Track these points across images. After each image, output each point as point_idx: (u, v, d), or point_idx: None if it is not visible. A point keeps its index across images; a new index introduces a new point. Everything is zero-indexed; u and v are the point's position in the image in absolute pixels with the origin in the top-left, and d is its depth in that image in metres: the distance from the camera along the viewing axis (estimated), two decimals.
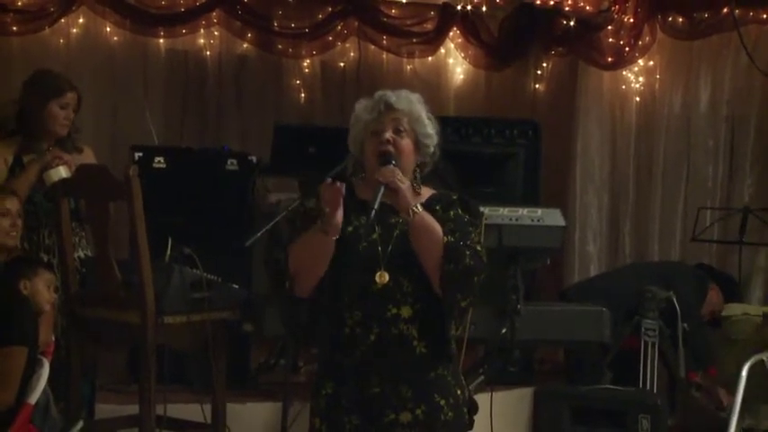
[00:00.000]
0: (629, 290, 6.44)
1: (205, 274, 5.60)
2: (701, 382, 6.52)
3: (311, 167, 6.94)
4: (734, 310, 6.76)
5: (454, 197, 3.66)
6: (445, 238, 3.46)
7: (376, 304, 3.51)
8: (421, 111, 3.62)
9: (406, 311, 3.52)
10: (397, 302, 3.51)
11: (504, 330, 5.79)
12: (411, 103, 3.62)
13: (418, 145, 3.62)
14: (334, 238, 3.47)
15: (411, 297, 3.52)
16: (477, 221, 3.64)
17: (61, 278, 5.51)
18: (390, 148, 3.56)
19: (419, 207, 3.49)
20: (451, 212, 3.60)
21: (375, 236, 3.54)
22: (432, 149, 3.66)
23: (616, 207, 8.22)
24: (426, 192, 3.68)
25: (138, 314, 5.32)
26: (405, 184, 3.49)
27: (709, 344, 6.74)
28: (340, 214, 3.45)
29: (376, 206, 3.40)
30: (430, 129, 3.63)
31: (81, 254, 5.81)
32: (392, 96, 3.61)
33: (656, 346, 6.32)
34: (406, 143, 3.59)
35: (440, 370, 3.58)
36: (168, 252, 5.80)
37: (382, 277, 3.50)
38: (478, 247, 3.52)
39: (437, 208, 3.61)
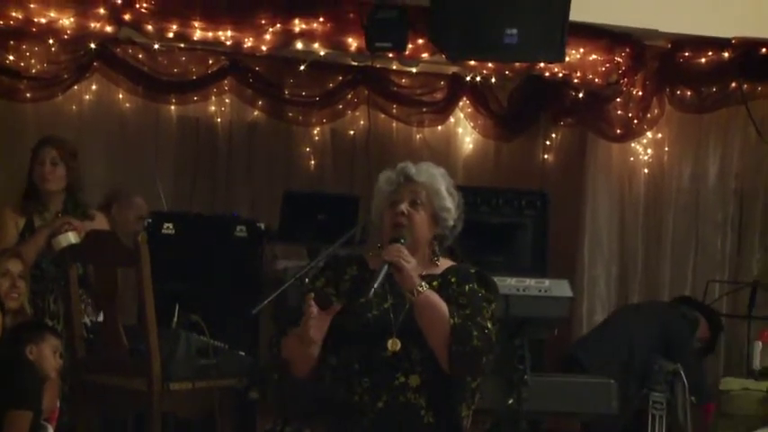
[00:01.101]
0: (627, 340, 6.58)
1: (212, 341, 5.61)
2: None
3: (320, 235, 6.97)
4: (732, 384, 6.68)
5: (472, 271, 3.66)
6: (452, 319, 3.45)
7: (384, 372, 3.51)
8: (441, 184, 3.64)
9: (414, 380, 3.51)
10: (405, 371, 3.51)
11: (510, 401, 5.74)
12: (431, 176, 3.64)
13: (436, 218, 3.63)
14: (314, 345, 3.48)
15: (420, 366, 3.51)
16: (493, 296, 3.63)
17: (67, 344, 5.49)
18: (404, 221, 3.58)
19: (424, 286, 3.48)
20: (467, 287, 3.59)
21: (387, 305, 3.55)
22: (451, 223, 3.66)
23: (624, 278, 8.17)
24: (445, 263, 3.68)
25: (145, 381, 5.32)
26: (410, 264, 3.49)
27: (706, 379, 6.71)
28: (317, 330, 3.45)
29: (375, 285, 3.43)
30: (449, 203, 3.64)
31: (87, 320, 5.81)
32: (412, 168, 3.65)
33: (663, 419, 6.26)
34: (421, 217, 3.60)
35: None
36: (175, 319, 5.81)
37: (394, 344, 3.51)
38: (489, 325, 3.50)
39: (452, 280, 3.60)
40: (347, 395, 3.54)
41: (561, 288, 5.84)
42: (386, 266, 3.47)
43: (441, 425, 3.53)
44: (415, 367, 3.51)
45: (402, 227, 3.57)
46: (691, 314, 6.93)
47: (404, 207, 3.58)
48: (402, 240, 3.55)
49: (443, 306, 3.47)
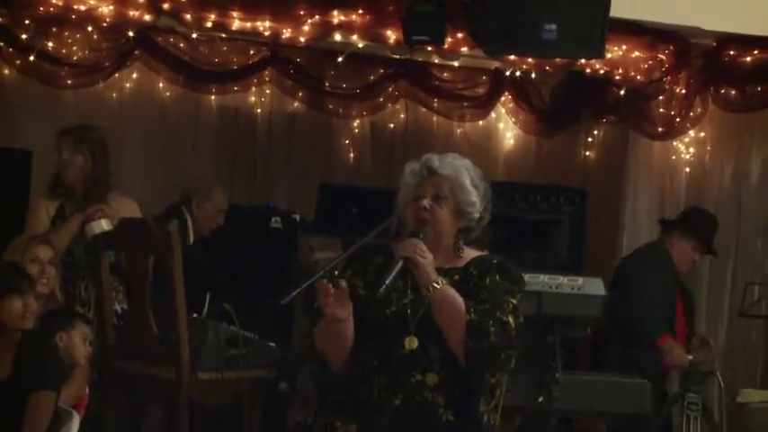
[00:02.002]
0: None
1: (242, 331, 5.63)
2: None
3: (355, 228, 6.93)
4: (750, 396, 6.49)
5: (494, 261, 3.58)
6: (468, 315, 3.38)
7: (401, 370, 3.46)
8: (465, 177, 3.56)
9: (431, 379, 3.45)
10: (422, 369, 3.46)
11: (541, 399, 5.69)
12: (456, 168, 3.56)
13: (460, 212, 3.56)
14: (344, 323, 3.44)
15: (438, 364, 3.46)
16: (516, 288, 3.55)
17: (97, 331, 5.51)
18: (426, 216, 3.51)
19: (441, 282, 3.42)
20: (488, 279, 3.52)
21: (406, 300, 3.49)
22: (476, 215, 3.59)
23: None
24: (470, 255, 3.61)
25: (173, 370, 5.33)
26: (426, 259, 3.42)
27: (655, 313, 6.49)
28: (337, 309, 3.40)
29: (387, 281, 3.37)
30: (473, 196, 3.56)
31: (118, 307, 5.82)
32: (436, 161, 3.57)
33: (699, 421, 6.18)
34: (444, 212, 3.53)
35: None
36: (206, 308, 5.83)
37: (411, 342, 3.45)
38: (510, 319, 3.44)
39: (473, 273, 3.54)
40: (366, 392, 3.50)
41: (595, 286, 5.78)
42: (401, 262, 3.42)
43: (460, 423, 3.47)
44: (433, 365, 3.46)
45: (424, 222, 3.51)
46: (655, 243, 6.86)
47: (426, 202, 3.52)
48: (421, 235, 3.48)
49: (460, 302, 3.41)
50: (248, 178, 8.32)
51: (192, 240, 6.38)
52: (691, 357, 6.25)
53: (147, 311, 5.49)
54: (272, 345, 5.89)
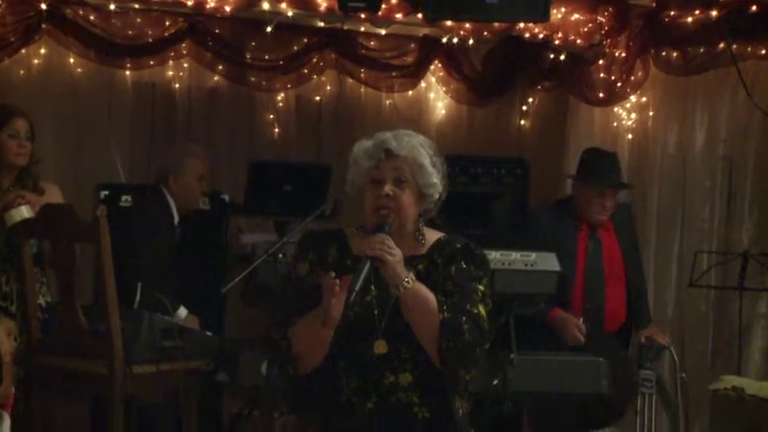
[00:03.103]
0: None
1: (176, 321, 5.56)
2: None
3: (288, 207, 6.89)
4: (724, 382, 6.34)
5: (458, 245, 3.56)
6: (441, 314, 3.36)
7: (372, 372, 3.45)
8: (424, 158, 3.51)
9: (405, 379, 3.45)
10: (394, 370, 3.45)
11: (495, 381, 5.68)
12: (414, 149, 3.51)
13: (421, 195, 3.52)
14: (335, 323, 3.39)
15: (410, 363, 3.45)
16: (482, 273, 3.53)
17: (22, 326, 5.40)
18: (390, 203, 3.46)
19: (411, 280, 3.38)
20: (453, 267, 3.50)
21: (370, 298, 3.46)
22: (436, 196, 3.56)
23: None
24: (431, 235, 3.59)
25: (105, 364, 5.27)
26: (395, 256, 3.38)
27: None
28: (339, 307, 3.34)
29: (357, 287, 3.31)
30: (434, 177, 3.52)
31: (42, 300, 5.72)
32: (392, 142, 3.50)
33: (654, 398, 6.23)
34: (407, 197, 3.49)
35: None
36: (137, 298, 5.74)
37: (380, 347, 3.44)
38: (481, 310, 3.43)
39: (438, 261, 3.52)
40: (335, 394, 3.48)
41: (548, 261, 5.78)
42: (368, 263, 3.36)
43: (436, 419, 3.47)
44: (406, 365, 3.45)
45: (388, 210, 3.47)
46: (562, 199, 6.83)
47: (388, 189, 3.47)
48: (386, 228, 3.44)
49: (431, 300, 3.38)
50: None
51: (176, 220, 6.26)
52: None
53: (75, 303, 5.40)
54: (209, 334, 5.82)
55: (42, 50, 7.66)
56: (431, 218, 3.65)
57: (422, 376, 3.44)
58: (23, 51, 7.50)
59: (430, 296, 3.38)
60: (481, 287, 3.48)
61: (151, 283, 5.92)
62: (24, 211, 5.51)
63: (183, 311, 6.06)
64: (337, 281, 3.31)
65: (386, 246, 3.38)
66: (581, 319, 6.16)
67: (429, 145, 3.57)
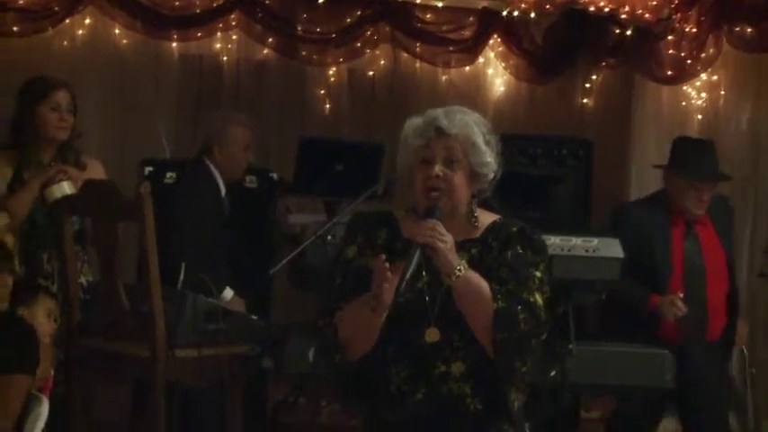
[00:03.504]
0: None
1: (221, 304, 5.57)
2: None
3: (338, 187, 6.87)
4: None
5: (514, 229, 3.52)
6: (495, 303, 3.33)
7: (423, 361, 3.42)
8: (477, 136, 3.47)
9: (457, 369, 3.42)
10: (446, 359, 3.42)
11: (553, 373, 5.65)
12: (466, 126, 3.47)
13: (474, 175, 3.49)
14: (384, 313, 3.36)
15: (463, 352, 3.42)
16: (539, 259, 3.49)
17: (62, 306, 5.42)
18: (440, 184, 3.44)
19: (464, 267, 3.35)
20: (509, 253, 3.46)
21: (421, 284, 3.42)
22: (491, 176, 3.52)
23: None
24: (486, 218, 3.55)
25: (147, 347, 5.30)
26: (446, 243, 3.34)
27: None
28: (390, 292, 3.31)
29: (408, 275, 3.28)
30: (488, 156, 3.49)
31: (84, 280, 5.74)
32: (444, 120, 3.47)
33: None
34: (459, 178, 3.46)
35: (500, 428, 3.46)
36: (181, 278, 5.75)
37: (432, 335, 3.41)
38: (537, 298, 3.39)
39: (493, 245, 3.48)
40: (383, 384, 3.45)
41: (611, 248, 5.73)
42: (418, 250, 3.33)
43: (489, 411, 3.44)
44: (458, 354, 3.41)
45: (438, 192, 3.44)
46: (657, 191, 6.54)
47: (438, 169, 3.44)
48: (437, 212, 3.41)
49: (485, 288, 3.34)
50: None
51: (223, 192, 6.28)
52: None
53: (117, 283, 5.41)
54: (255, 318, 5.82)
55: (87, 21, 7.69)
56: (486, 199, 3.61)
57: (475, 366, 3.41)
58: (67, 21, 7.54)
59: (483, 284, 3.35)
60: (538, 273, 3.44)
61: (197, 261, 5.92)
62: (66, 187, 5.53)
63: (228, 293, 6.06)
64: (387, 264, 3.28)
65: (437, 232, 3.35)
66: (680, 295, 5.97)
67: (482, 123, 3.54)
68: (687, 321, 5.94)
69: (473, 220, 3.52)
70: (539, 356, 3.46)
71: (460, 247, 3.43)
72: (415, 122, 3.51)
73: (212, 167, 6.32)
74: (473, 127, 3.49)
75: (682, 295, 5.94)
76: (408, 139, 3.51)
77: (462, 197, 3.49)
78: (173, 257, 5.82)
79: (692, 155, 6.24)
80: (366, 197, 6.11)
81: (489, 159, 3.49)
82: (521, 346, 3.35)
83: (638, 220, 6.15)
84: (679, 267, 6.12)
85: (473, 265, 3.40)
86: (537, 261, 3.47)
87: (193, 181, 6.35)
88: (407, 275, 3.27)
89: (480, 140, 3.48)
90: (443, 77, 8.54)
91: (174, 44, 7.93)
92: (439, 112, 3.50)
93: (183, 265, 5.86)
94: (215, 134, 6.38)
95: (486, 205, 3.61)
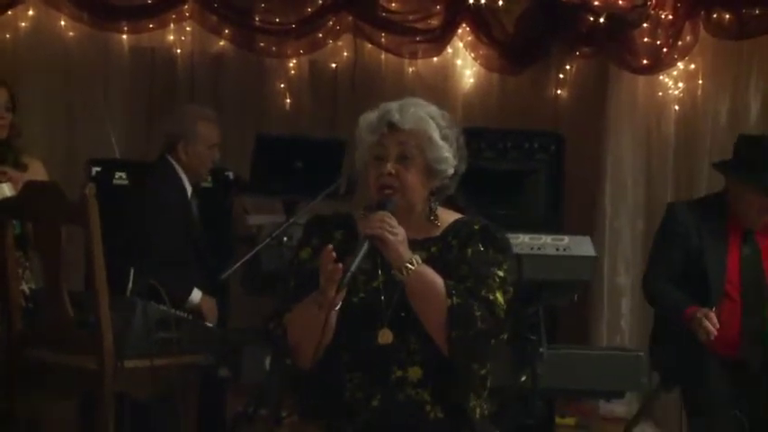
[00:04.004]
0: None
1: (173, 311, 5.51)
2: None
3: (299, 186, 6.84)
4: None
5: (476, 227, 3.52)
6: (449, 299, 3.31)
7: (377, 365, 3.41)
8: (433, 130, 3.48)
9: (414, 373, 3.41)
10: (402, 363, 3.41)
11: (523, 378, 5.64)
12: (420, 121, 3.48)
13: (431, 171, 3.49)
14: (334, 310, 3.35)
15: (420, 356, 3.41)
16: (502, 257, 3.48)
17: (2, 315, 5.38)
18: (392, 182, 3.44)
19: (416, 261, 3.35)
20: (469, 250, 3.46)
21: (377, 283, 3.43)
22: (450, 172, 3.52)
23: (652, 234, 7.94)
24: (448, 216, 3.55)
25: (95, 358, 5.23)
26: (397, 236, 3.34)
27: None
28: (338, 296, 3.31)
29: (353, 267, 3.27)
30: (445, 151, 3.49)
31: (26, 287, 5.70)
32: (395, 114, 3.47)
33: None
34: (413, 175, 3.46)
35: None
36: (130, 284, 5.71)
37: (385, 336, 3.40)
38: (498, 297, 3.38)
39: (453, 243, 3.48)
40: (336, 392, 3.44)
41: (583, 246, 5.74)
42: (366, 243, 3.33)
43: (451, 419, 3.43)
44: (415, 358, 3.41)
45: (390, 189, 3.44)
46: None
47: (390, 167, 3.44)
48: (388, 205, 3.41)
49: (439, 284, 3.35)
50: None
51: (189, 192, 6.24)
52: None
53: (62, 291, 5.35)
54: (209, 325, 5.80)
55: (30, 12, 7.70)
56: (450, 196, 3.62)
57: (433, 371, 3.40)
58: (10, 13, 7.56)
59: (438, 280, 3.35)
60: (500, 273, 3.44)
61: (164, 266, 5.87)
62: (6, 189, 5.51)
63: (197, 294, 6.04)
64: (334, 254, 3.28)
65: (386, 224, 3.35)
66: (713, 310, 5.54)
67: (440, 115, 3.54)
68: (745, 334, 5.77)
69: (433, 218, 3.52)
70: (501, 359, 3.46)
71: (420, 245, 3.44)
72: (368, 117, 3.52)
73: (177, 167, 6.26)
74: (428, 121, 3.49)
75: (714, 310, 5.49)
76: (362, 134, 3.52)
77: (417, 195, 3.49)
78: (132, 262, 5.77)
79: (763, 161, 5.72)
80: (326, 196, 6.08)
81: (447, 154, 3.49)
82: (477, 345, 3.34)
83: (687, 223, 5.80)
84: (735, 277, 5.79)
85: (432, 263, 3.40)
86: (499, 260, 3.47)
87: (158, 182, 6.29)
88: (353, 267, 3.26)
89: (436, 135, 3.48)
90: (410, 69, 8.56)
91: (125, 36, 7.93)
92: (392, 105, 3.51)
93: (132, 270, 5.81)
94: (179, 131, 6.32)
95: (450, 203, 3.61)
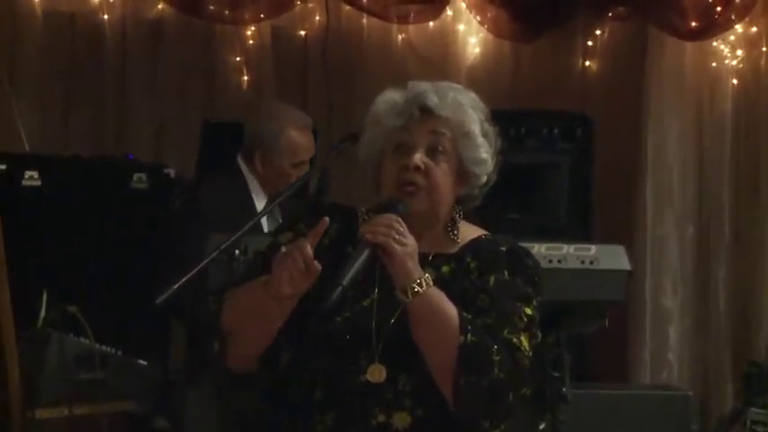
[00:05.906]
0: None
1: (98, 345, 5.56)
2: None
3: None
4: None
5: (503, 248, 3.50)
6: (462, 336, 3.29)
7: (357, 407, 3.37)
8: (474, 123, 3.48)
9: (400, 420, 3.37)
10: (387, 407, 3.37)
11: (542, 426, 5.64)
12: (460, 109, 3.47)
13: (464, 174, 3.48)
14: (285, 301, 3.32)
15: (410, 400, 3.38)
16: (533, 291, 3.47)
17: None
18: (418, 179, 3.43)
19: (425, 283, 3.31)
20: (492, 278, 3.44)
21: (368, 302, 3.41)
22: (483, 179, 3.52)
23: (705, 241, 8.17)
24: (468, 232, 3.54)
25: None
26: (406, 247, 3.31)
27: None
28: (300, 284, 3.28)
29: (345, 281, 3.24)
30: (483, 151, 3.49)
31: None
32: (434, 96, 3.46)
33: None
34: (444, 173, 3.44)
35: None
36: (43, 312, 5.72)
37: (376, 373, 3.37)
38: (524, 341, 3.36)
39: (471, 266, 3.47)
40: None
41: (614, 258, 5.71)
42: (366, 251, 3.30)
43: None
44: (404, 402, 3.37)
45: (413, 187, 3.43)
46: None
47: (419, 159, 3.42)
48: (400, 207, 3.39)
49: (451, 314, 3.31)
50: (94, 118, 8.19)
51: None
52: None
53: None
54: (143, 363, 5.83)
55: None
56: (471, 210, 3.60)
57: (427, 420, 3.37)
58: None
59: (450, 309, 3.32)
60: (528, 310, 3.42)
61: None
62: None
63: None
64: (306, 243, 3.27)
65: (394, 230, 3.32)
66: None
67: (481, 108, 3.54)
68: None
69: (453, 231, 3.52)
70: (520, 418, 3.42)
71: (429, 262, 3.43)
72: (390, 97, 3.51)
73: (247, 175, 6.19)
74: (468, 111, 3.49)
75: None
76: (381, 117, 3.50)
77: (444, 199, 3.48)
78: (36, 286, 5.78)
79: None
80: (288, 196, 6.07)
81: (485, 156, 3.50)
82: (492, 397, 3.30)
83: None
84: None
85: (442, 286, 3.37)
86: (528, 294, 3.46)
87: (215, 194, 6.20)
88: (345, 281, 3.24)
89: (477, 129, 3.48)
90: (399, 36, 8.62)
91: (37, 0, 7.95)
92: (426, 86, 3.50)
93: (45, 295, 5.82)
94: (260, 137, 6.27)
95: (469, 217, 3.60)
